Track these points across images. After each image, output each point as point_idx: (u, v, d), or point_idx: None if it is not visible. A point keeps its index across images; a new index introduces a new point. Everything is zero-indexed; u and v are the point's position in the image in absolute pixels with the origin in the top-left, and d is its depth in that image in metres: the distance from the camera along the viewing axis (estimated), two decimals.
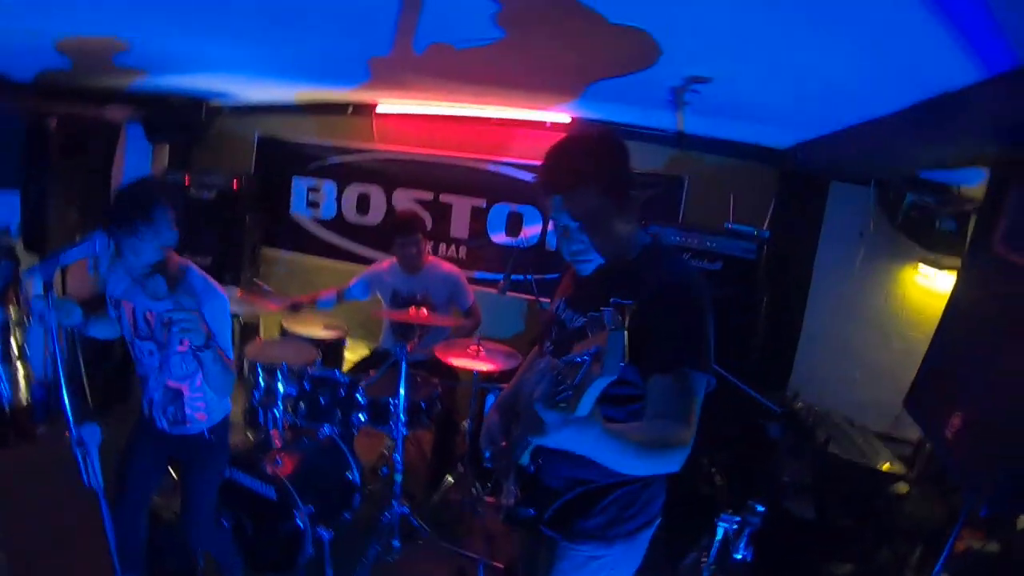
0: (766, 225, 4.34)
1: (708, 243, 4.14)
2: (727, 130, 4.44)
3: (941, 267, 4.01)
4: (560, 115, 4.96)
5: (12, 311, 4.73)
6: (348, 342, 5.29)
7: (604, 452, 1.45)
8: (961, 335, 2.80)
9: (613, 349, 1.22)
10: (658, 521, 2.05)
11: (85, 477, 2.39)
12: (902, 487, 3.46)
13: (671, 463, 1.57)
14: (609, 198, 1.83)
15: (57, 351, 2.71)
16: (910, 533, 3.26)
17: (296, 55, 3.52)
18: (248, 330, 5.96)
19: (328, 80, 4.44)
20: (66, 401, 2.53)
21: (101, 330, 2.88)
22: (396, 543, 3.76)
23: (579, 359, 1.27)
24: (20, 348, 4.86)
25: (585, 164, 1.82)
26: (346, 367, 5.09)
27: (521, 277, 4.67)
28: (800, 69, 2.46)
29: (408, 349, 3.69)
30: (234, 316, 3.84)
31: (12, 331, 4.75)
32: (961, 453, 2.40)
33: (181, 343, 2.70)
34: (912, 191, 3.80)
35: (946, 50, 1.82)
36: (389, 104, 5.49)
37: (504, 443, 2.14)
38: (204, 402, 2.90)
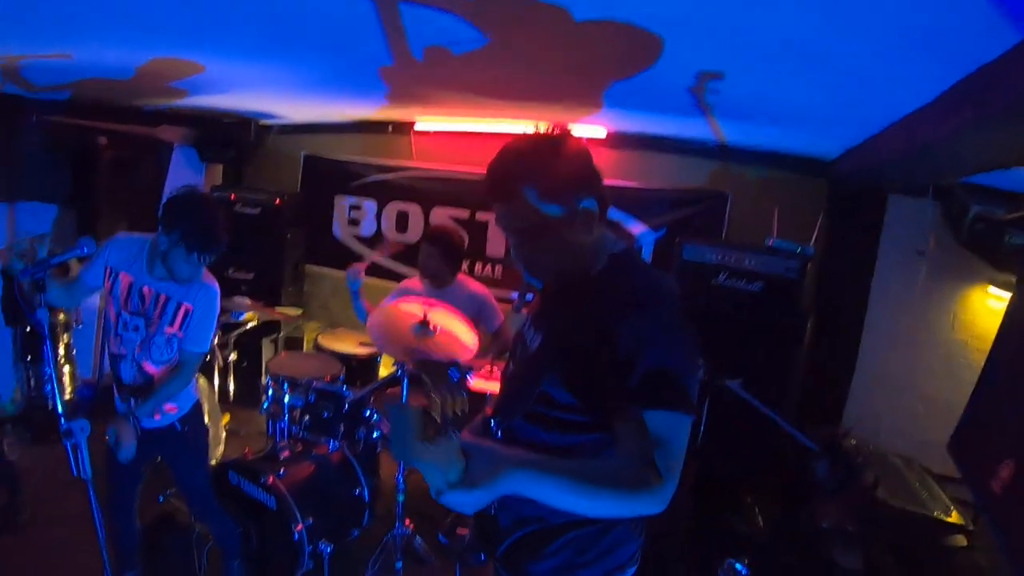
0: (812, 242, 3.95)
1: (747, 262, 3.81)
2: (771, 139, 4.14)
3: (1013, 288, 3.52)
4: (596, 129, 4.75)
5: (60, 314, 4.97)
6: (383, 359, 5.18)
7: (529, 491, 1.31)
8: (1017, 368, 2.39)
9: (395, 431, 1.01)
10: (632, 571, 1.77)
11: (74, 468, 2.44)
12: (960, 539, 3.04)
13: (630, 506, 1.38)
14: (554, 206, 1.57)
15: (48, 348, 2.69)
16: None
17: (310, 70, 3.58)
18: (292, 343, 5.95)
19: (350, 93, 4.42)
20: (57, 397, 2.65)
21: (58, 296, 2.84)
22: (398, 564, 3.57)
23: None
24: (67, 348, 5.10)
25: (522, 168, 1.58)
26: None
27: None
28: (817, 54, 2.20)
29: (410, 366, 3.50)
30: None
31: (59, 333, 4.96)
32: (1007, 509, 2.00)
33: (171, 324, 2.79)
34: (977, 201, 3.39)
35: (978, 15, 1.57)
36: (426, 122, 5.47)
37: None
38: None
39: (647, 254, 4.91)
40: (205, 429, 3.25)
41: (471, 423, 1.98)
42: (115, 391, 2.96)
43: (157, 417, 2.90)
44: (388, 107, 4.89)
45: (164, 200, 2.77)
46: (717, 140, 4.37)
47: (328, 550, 3.34)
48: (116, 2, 2.34)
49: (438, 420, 1.03)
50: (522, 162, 1.58)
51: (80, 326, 5.09)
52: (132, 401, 2.83)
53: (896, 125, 2.81)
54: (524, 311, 2.08)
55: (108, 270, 2.86)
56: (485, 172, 1.62)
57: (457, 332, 3.71)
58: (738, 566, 2.45)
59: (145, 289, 2.80)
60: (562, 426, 1.62)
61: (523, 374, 1.79)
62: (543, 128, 1.63)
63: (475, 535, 1.87)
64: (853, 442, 3.54)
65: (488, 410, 1.94)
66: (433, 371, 3.57)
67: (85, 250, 2.57)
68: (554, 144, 1.61)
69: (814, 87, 2.65)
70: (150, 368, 2.86)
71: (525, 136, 1.63)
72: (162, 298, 2.79)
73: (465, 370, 3.48)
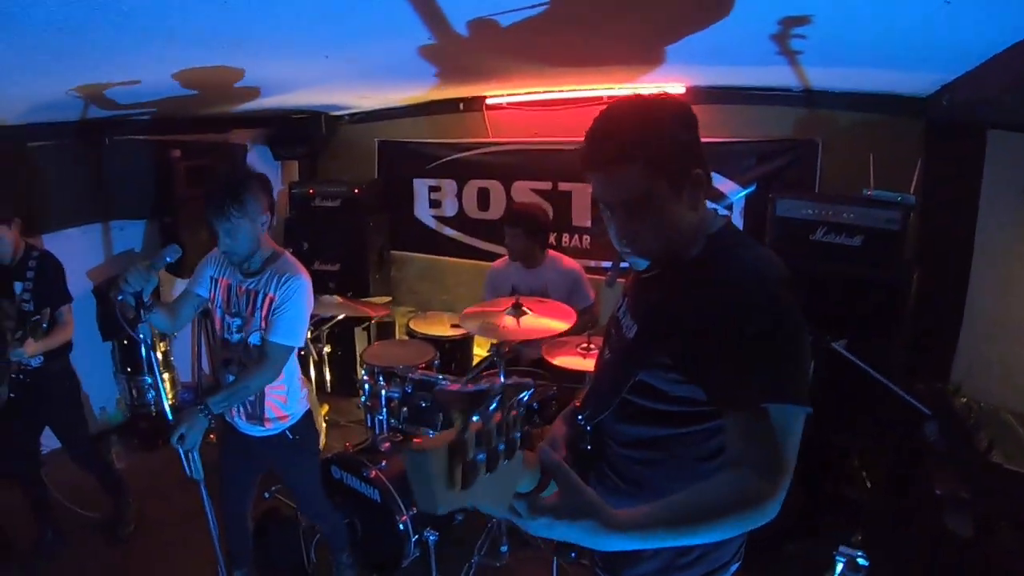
0: (912, 189, 3.67)
1: (845, 215, 3.58)
2: (860, 80, 3.84)
3: None
4: (674, 86, 4.55)
5: None
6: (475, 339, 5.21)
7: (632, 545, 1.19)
8: None
9: (415, 480, 0.91)
10: (735, 567, 1.69)
11: (188, 469, 2.60)
12: None
13: (745, 524, 1.25)
14: (662, 178, 1.44)
15: (153, 357, 2.80)
16: None
17: (350, 63, 3.57)
18: (384, 328, 6.03)
19: (398, 78, 4.39)
20: (165, 403, 2.84)
21: (162, 320, 2.90)
22: (504, 548, 3.65)
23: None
24: (166, 355, 5.32)
25: (631, 134, 1.44)
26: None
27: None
28: None
29: (506, 350, 3.57)
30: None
31: (157, 342, 5.15)
32: None
33: (260, 321, 2.79)
34: None
35: None
36: (497, 96, 5.37)
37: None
38: (286, 396, 2.95)
39: (739, 212, 4.71)
40: (317, 436, 3.29)
41: (564, 411, 1.91)
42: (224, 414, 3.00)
43: (268, 425, 2.94)
44: (450, 85, 4.82)
45: None
46: (802, 86, 4.11)
47: (433, 538, 3.38)
48: (160, 21, 2.33)
49: (469, 457, 0.91)
50: (628, 127, 1.45)
51: (176, 334, 5.26)
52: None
53: (1004, 54, 2.55)
54: (620, 280, 1.96)
55: (211, 280, 2.94)
56: (584, 139, 1.50)
57: (550, 307, 3.68)
58: (860, 560, 2.28)
59: (239, 288, 2.84)
60: (656, 418, 1.54)
61: (618, 363, 1.70)
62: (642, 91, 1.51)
63: None
64: (964, 400, 3.30)
65: (577, 402, 1.86)
66: (460, 402, 3.58)
67: (169, 258, 2.67)
68: (661, 108, 1.49)
69: (912, 20, 2.41)
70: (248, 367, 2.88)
71: (627, 99, 1.51)
72: (252, 293, 2.81)
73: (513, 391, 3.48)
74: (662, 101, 1.51)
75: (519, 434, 1.04)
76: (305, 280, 2.83)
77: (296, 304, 2.77)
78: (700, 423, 1.50)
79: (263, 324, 2.78)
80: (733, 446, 1.34)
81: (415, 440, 0.98)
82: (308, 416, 3.11)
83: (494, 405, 3.49)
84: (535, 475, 1.16)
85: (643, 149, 1.43)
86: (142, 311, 2.62)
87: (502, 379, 3.58)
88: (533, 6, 2.34)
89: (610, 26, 2.79)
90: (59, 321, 3.61)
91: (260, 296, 2.78)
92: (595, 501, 1.15)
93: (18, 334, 3.36)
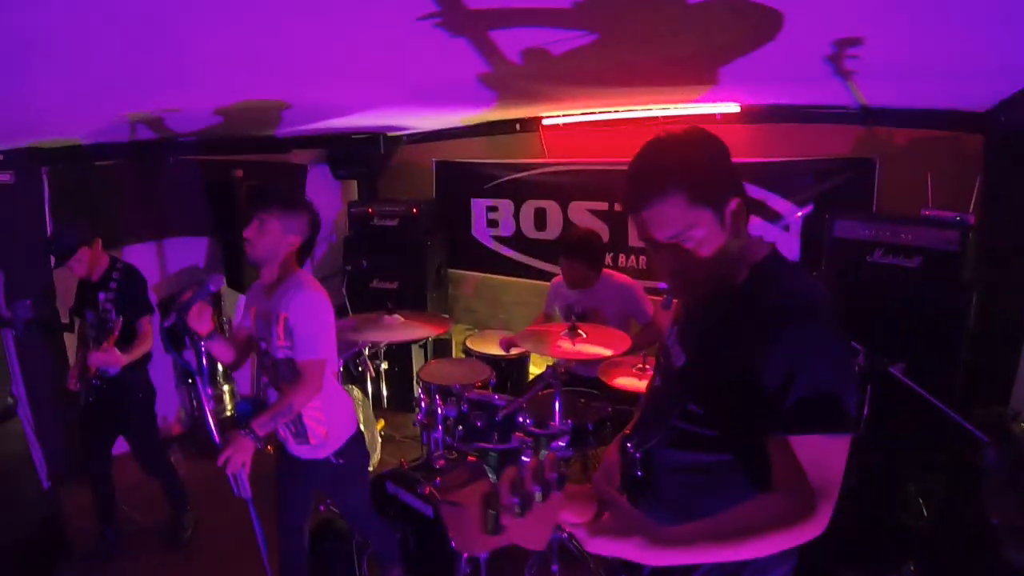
0: (971, 208, 3.58)
1: (903, 235, 3.52)
2: (917, 97, 3.77)
3: None
4: (729, 106, 4.55)
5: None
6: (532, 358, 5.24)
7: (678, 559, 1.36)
8: None
9: (453, 528, 0.99)
10: None
11: (235, 489, 2.62)
12: None
13: (784, 543, 1.34)
14: (703, 211, 1.48)
15: (200, 385, 2.90)
16: None
17: (414, 87, 3.63)
18: (441, 346, 6.12)
19: (459, 102, 4.48)
20: (211, 424, 2.81)
21: (220, 349, 2.99)
22: (555, 568, 3.63)
23: None
24: (225, 369, 5.53)
25: (669, 171, 1.48)
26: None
27: None
28: None
29: (561, 370, 3.53)
30: None
31: None
32: None
33: (280, 337, 2.84)
34: None
35: None
36: (553, 116, 5.43)
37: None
38: (323, 413, 2.97)
39: (795, 233, 4.66)
40: (366, 457, 3.33)
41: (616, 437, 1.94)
42: (276, 434, 3.07)
43: (314, 442, 2.99)
44: (508, 107, 4.89)
45: None
46: (858, 103, 4.06)
47: (485, 555, 3.36)
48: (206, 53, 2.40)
49: (502, 503, 0.99)
50: (666, 164, 1.50)
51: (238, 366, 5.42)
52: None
53: None
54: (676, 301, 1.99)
55: (247, 308, 3.07)
56: (625, 181, 1.55)
57: (605, 332, 3.70)
58: None
59: (261, 311, 2.94)
60: (705, 444, 1.57)
61: (667, 392, 1.74)
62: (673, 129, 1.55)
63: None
64: (1023, 426, 3.20)
65: (627, 429, 1.89)
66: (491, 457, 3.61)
67: (212, 288, 2.73)
68: (695, 141, 1.54)
69: (967, 36, 2.37)
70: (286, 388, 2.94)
71: (661, 137, 1.56)
72: (267, 314, 2.88)
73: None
74: (695, 134, 1.55)
75: (556, 475, 1.09)
76: (312, 292, 2.86)
77: (305, 318, 2.80)
78: (743, 449, 1.52)
79: (280, 342, 2.84)
80: (779, 470, 1.39)
81: (448, 496, 1.08)
82: (355, 439, 3.13)
83: (526, 451, 3.53)
84: (588, 505, 1.32)
85: (683, 184, 1.46)
86: (188, 339, 2.72)
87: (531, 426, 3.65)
88: (582, 36, 2.39)
89: (661, 51, 2.81)
90: (139, 332, 3.77)
91: (274, 316, 2.84)
92: (642, 520, 1.32)
93: (97, 339, 3.52)
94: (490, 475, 1.05)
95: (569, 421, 3.68)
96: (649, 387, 1.98)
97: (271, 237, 2.83)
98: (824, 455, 1.34)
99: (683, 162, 1.49)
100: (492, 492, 0.99)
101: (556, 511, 1.18)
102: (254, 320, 2.98)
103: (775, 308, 1.45)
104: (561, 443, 3.38)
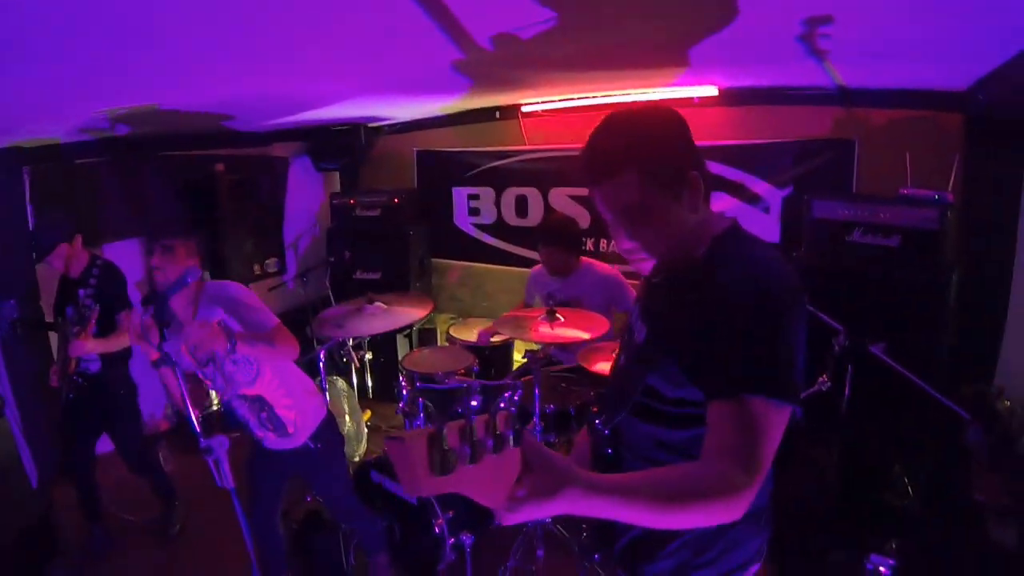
0: (951, 187, 3.59)
1: (881, 215, 3.53)
2: (894, 76, 3.76)
3: None
4: (707, 89, 4.55)
5: None
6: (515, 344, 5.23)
7: (618, 517, 1.20)
8: None
9: (400, 466, 0.98)
10: (755, 568, 1.68)
11: (218, 480, 2.59)
12: None
13: (715, 514, 1.25)
14: (656, 183, 1.49)
15: (180, 374, 2.87)
16: None
17: (390, 73, 3.60)
18: (426, 335, 6.14)
19: (434, 90, 4.49)
20: (192, 418, 2.71)
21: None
22: (540, 553, 3.63)
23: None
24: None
25: (621, 145, 1.50)
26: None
27: None
28: None
29: (540, 355, 3.61)
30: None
31: None
32: None
33: (227, 351, 2.74)
34: None
35: None
36: (532, 103, 5.41)
37: None
38: (291, 399, 3.00)
39: (775, 215, 4.67)
40: (341, 440, 3.36)
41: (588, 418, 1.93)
42: (252, 433, 3.09)
43: (291, 430, 3.01)
44: (484, 94, 4.88)
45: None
46: (836, 84, 4.05)
47: (470, 541, 3.41)
48: (189, 47, 2.41)
49: (445, 449, 0.93)
50: (618, 138, 1.51)
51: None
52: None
53: None
54: None
55: (174, 351, 2.85)
56: (581, 154, 1.57)
57: (583, 316, 3.70)
58: (882, 568, 2.24)
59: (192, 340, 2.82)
60: (669, 420, 1.56)
61: (630, 366, 1.73)
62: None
63: (590, 533, 1.81)
64: (1007, 404, 3.21)
65: (595, 407, 1.89)
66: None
67: (189, 279, 2.65)
68: (649, 116, 1.55)
69: (941, 14, 2.38)
70: (251, 392, 2.93)
71: (618, 112, 1.56)
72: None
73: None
74: (651, 110, 1.57)
75: (511, 433, 1.08)
76: (232, 286, 2.98)
77: (240, 300, 2.89)
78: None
79: (239, 345, 2.78)
80: (715, 434, 1.34)
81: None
82: (328, 422, 3.19)
83: (475, 403, 3.66)
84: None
85: (634, 157, 1.48)
86: (166, 331, 2.70)
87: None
88: (545, 21, 2.39)
89: (625, 31, 2.81)
90: (118, 326, 3.75)
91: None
92: (570, 469, 1.16)
93: (75, 329, 3.50)
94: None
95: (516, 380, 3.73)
96: (613, 365, 1.96)
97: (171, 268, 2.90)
98: (764, 422, 1.29)
99: (636, 138, 1.50)
100: (438, 432, 0.97)
101: (514, 469, 1.13)
102: (187, 352, 2.79)
103: (732, 279, 1.44)
104: (511, 398, 3.45)
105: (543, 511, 1.14)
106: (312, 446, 3.07)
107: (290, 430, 3.01)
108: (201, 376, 2.96)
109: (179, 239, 2.94)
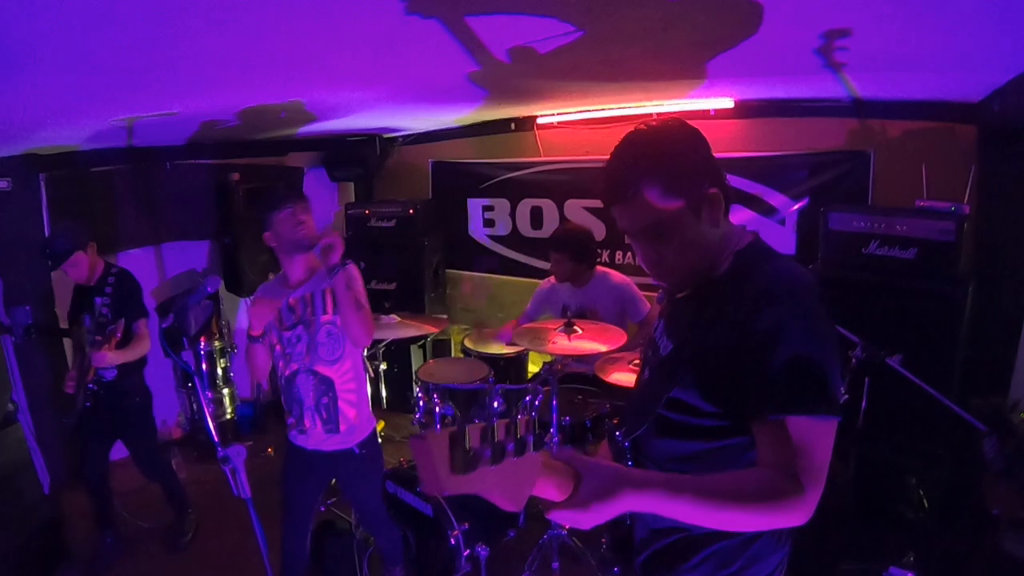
0: (967, 198, 3.59)
1: (898, 227, 3.52)
2: (909, 88, 3.77)
3: None
4: (723, 101, 4.56)
5: (216, 342, 5.40)
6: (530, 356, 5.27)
7: (657, 511, 1.28)
8: None
9: (421, 464, 0.99)
10: None
11: (235, 489, 2.60)
12: None
13: (771, 520, 1.32)
14: (677, 201, 1.50)
15: (199, 386, 2.88)
16: None
17: (406, 86, 3.64)
18: (440, 346, 6.16)
19: (449, 101, 4.50)
20: (211, 428, 2.78)
21: (262, 354, 3.06)
22: (555, 565, 3.65)
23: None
24: (225, 371, 5.54)
25: (642, 164, 1.50)
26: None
27: None
28: None
29: (558, 367, 3.64)
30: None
31: (217, 359, 5.42)
32: None
33: (324, 311, 2.96)
34: None
35: None
36: (547, 115, 5.44)
37: None
38: (356, 396, 3.07)
39: (791, 227, 4.66)
40: (380, 452, 3.38)
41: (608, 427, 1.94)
42: (299, 422, 3.09)
43: (343, 428, 3.05)
44: (500, 105, 4.91)
45: None
46: (852, 96, 4.06)
47: (485, 553, 3.41)
48: (214, 58, 2.45)
49: (467, 449, 0.95)
50: (639, 158, 1.51)
51: (236, 351, 5.45)
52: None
53: None
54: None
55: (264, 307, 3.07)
56: (601, 176, 1.58)
57: (601, 328, 3.71)
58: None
59: (291, 301, 3.00)
60: (692, 432, 1.56)
61: (653, 380, 1.74)
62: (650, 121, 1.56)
63: (610, 545, 1.81)
64: (1023, 416, 3.19)
65: (616, 419, 1.89)
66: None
67: (210, 289, 2.74)
68: (668, 133, 1.55)
69: (956, 26, 2.38)
70: (324, 370, 2.99)
71: (636, 131, 1.57)
72: (308, 297, 2.99)
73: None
74: (670, 127, 1.56)
75: (532, 437, 1.08)
76: None
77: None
78: (733, 437, 1.51)
79: (334, 319, 3.00)
80: (761, 453, 1.38)
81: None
82: (375, 433, 3.25)
83: (496, 405, 3.64)
84: (565, 482, 1.23)
85: (654, 177, 1.48)
86: (185, 340, 2.73)
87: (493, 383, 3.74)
88: (566, 34, 2.40)
89: (644, 45, 2.83)
90: (135, 334, 3.77)
91: (318, 296, 3.01)
92: (620, 471, 1.24)
93: (97, 339, 3.52)
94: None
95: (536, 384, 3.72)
96: (637, 380, 1.97)
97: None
98: (809, 438, 1.32)
99: (656, 155, 1.50)
100: (460, 432, 0.99)
101: (534, 473, 1.15)
102: (277, 315, 3.01)
103: (758, 291, 1.44)
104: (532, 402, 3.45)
105: (608, 513, 1.21)
106: (358, 452, 3.10)
107: (342, 427, 3.04)
108: (281, 341, 3.03)
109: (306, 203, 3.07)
